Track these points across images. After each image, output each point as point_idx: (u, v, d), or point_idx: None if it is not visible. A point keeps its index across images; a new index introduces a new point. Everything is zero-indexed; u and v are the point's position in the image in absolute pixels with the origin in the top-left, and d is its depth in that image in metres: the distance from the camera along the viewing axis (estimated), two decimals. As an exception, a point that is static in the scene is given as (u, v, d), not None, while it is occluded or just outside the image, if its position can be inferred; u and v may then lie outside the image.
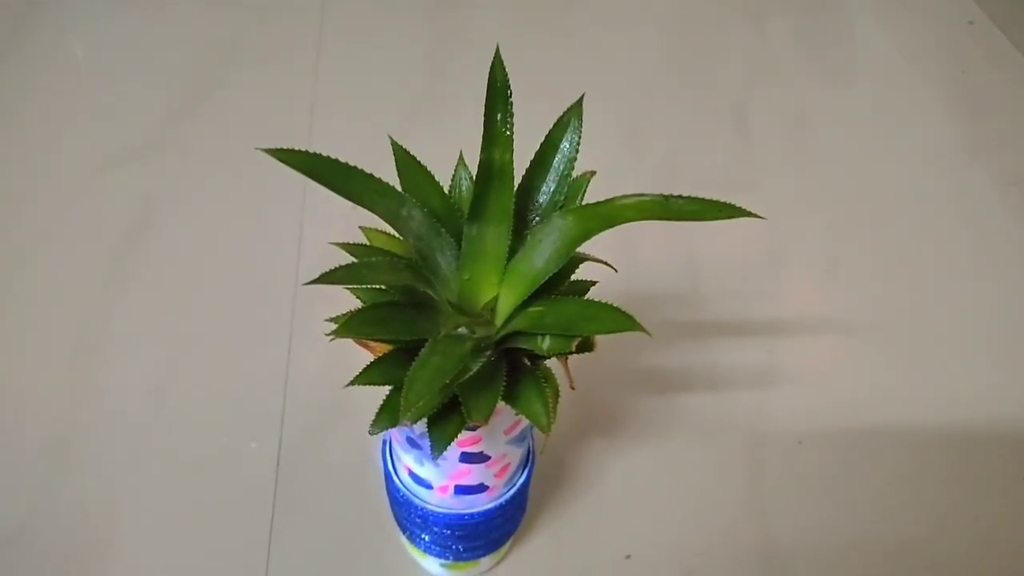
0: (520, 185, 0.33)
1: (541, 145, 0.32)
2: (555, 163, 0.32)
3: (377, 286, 0.33)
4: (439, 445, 0.31)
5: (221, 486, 0.47)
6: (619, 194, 0.29)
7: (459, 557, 0.42)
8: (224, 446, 0.49)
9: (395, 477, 0.40)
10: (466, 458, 0.36)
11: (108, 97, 0.70)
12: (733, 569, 0.46)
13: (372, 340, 0.31)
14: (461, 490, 0.38)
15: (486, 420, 0.29)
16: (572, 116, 0.32)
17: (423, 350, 0.28)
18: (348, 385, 0.32)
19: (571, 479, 0.49)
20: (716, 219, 0.28)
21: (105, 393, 0.51)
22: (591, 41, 0.78)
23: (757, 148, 0.71)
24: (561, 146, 0.32)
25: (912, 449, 0.51)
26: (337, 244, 0.31)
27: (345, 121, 0.66)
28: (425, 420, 0.32)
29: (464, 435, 0.35)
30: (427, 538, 0.41)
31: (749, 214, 0.28)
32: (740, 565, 0.46)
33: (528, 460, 0.41)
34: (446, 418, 0.32)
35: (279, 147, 0.27)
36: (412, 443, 0.37)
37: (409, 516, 0.41)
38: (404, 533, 0.43)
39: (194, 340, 0.54)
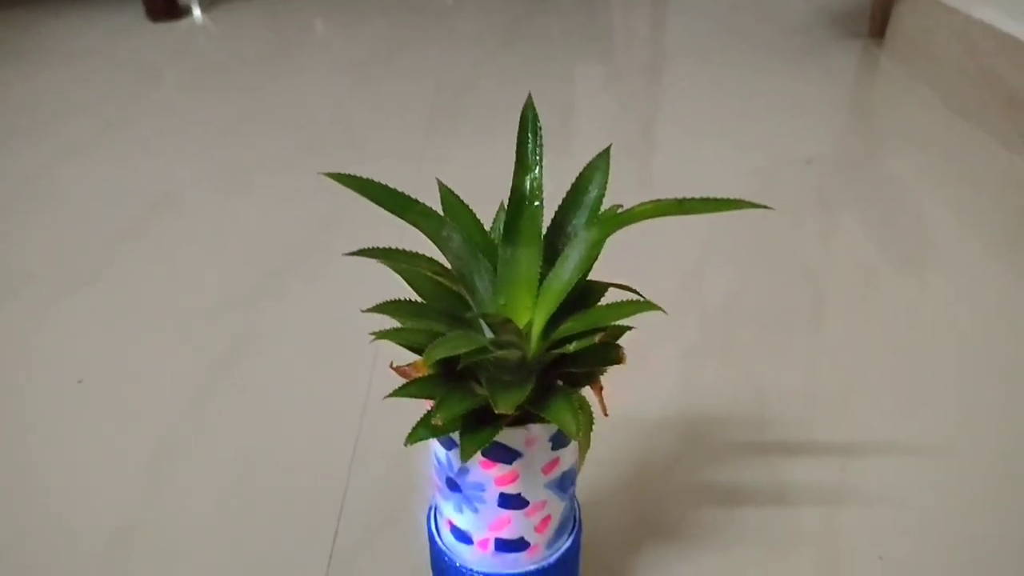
0: (553, 220, 0.36)
1: (572, 185, 0.36)
2: (585, 200, 0.36)
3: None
4: (469, 448, 0.32)
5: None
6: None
7: (502, 639, 0.40)
8: (281, 541, 0.49)
9: (438, 539, 0.40)
10: (504, 501, 0.36)
11: (220, 259, 0.79)
12: None
13: (406, 340, 0.33)
14: (501, 545, 0.38)
15: (511, 410, 0.30)
16: (601, 160, 0.36)
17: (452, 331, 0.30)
18: (388, 396, 0.33)
19: (628, 583, 0.46)
20: (726, 211, 0.30)
21: (175, 492, 0.53)
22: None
23: (822, 296, 0.72)
24: (590, 187, 0.36)
25: (1002, 569, 0.47)
26: (379, 255, 0.33)
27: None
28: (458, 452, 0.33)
29: (501, 470, 0.35)
30: (469, 611, 0.40)
31: (759, 205, 0.30)
32: (816, 677, 0.41)
33: (573, 527, 0.40)
34: (477, 427, 0.32)
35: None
36: (452, 485, 0.37)
37: (451, 585, 0.40)
38: (447, 611, 0.41)
39: (265, 452, 0.56)
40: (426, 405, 0.34)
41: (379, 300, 0.33)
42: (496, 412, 0.30)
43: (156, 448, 0.56)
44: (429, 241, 0.34)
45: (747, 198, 0.30)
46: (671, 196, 0.31)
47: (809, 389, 0.61)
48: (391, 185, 0.33)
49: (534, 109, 0.34)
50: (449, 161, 0.97)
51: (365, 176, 0.33)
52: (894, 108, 1.13)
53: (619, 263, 0.39)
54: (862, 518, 0.50)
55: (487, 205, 0.38)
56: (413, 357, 0.36)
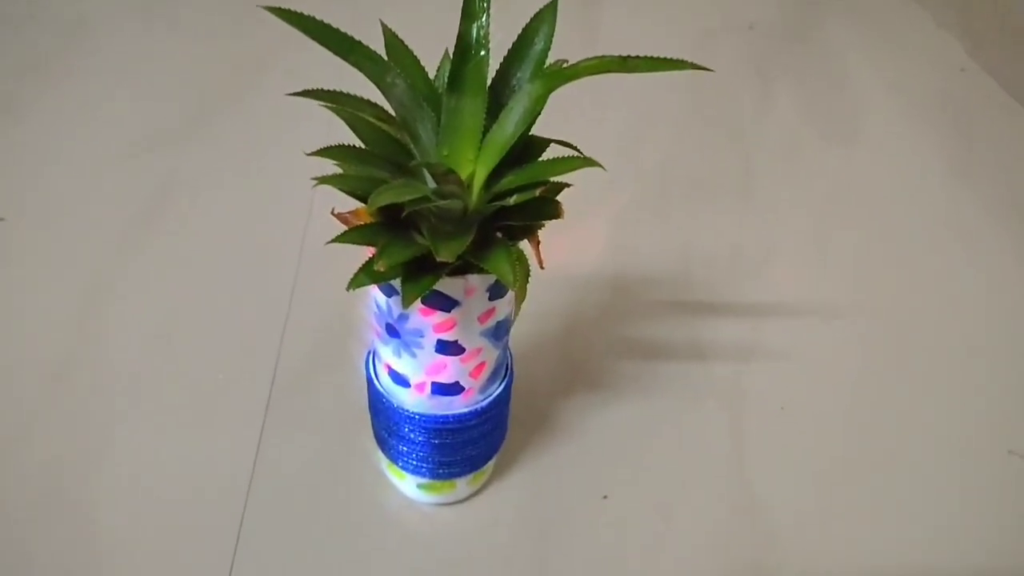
0: (497, 71, 0.35)
1: (518, 37, 0.35)
2: (530, 53, 0.35)
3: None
4: (410, 296, 0.33)
5: (213, 414, 0.49)
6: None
7: (436, 475, 0.43)
8: (219, 381, 0.50)
9: (376, 382, 0.41)
10: (441, 347, 0.38)
11: (143, 95, 0.76)
12: (709, 512, 0.46)
13: (349, 187, 0.33)
14: (437, 389, 0.39)
15: (452, 258, 0.31)
16: (547, 12, 0.35)
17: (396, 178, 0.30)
18: (330, 242, 0.34)
19: (553, 427, 0.49)
20: (669, 71, 0.30)
21: (109, 330, 0.53)
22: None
23: (753, 163, 0.74)
24: (536, 39, 0.35)
25: (893, 417, 0.52)
26: (323, 97, 0.33)
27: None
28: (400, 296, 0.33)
29: (439, 317, 0.37)
30: (405, 449, 0.42)
31: (701, 67, 0.30)
32: (716, 508, 0.46)
33: (505, 374, 0.42)
34: (418, 275, 0.33)
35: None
36: (391, 331, 0.38)
37: (388, 425, 0.42)
38: (383, 448, 0.44)
39: (202, 292, 0.57)
40: (366, 252, 0.35)
41: (314, 145, 0.32)
42: (438, 260, 0.31)
43: (87, 288, 0.56)
44: (366, 88, 0.34)
45: (689, 59, 0.30)
46: (614, 54, 0.31)
47: (731, 252, 0.64)
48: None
49: (483, -48, 0.33)
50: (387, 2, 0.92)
51: (298, 10, 0.32)
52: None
53: (560, 121, 0.39)
54: (767, 372, 0.54)
55: (426, 50, 0.37)
56: (352, 204, 0.36)
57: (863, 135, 0.79)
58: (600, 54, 0.31)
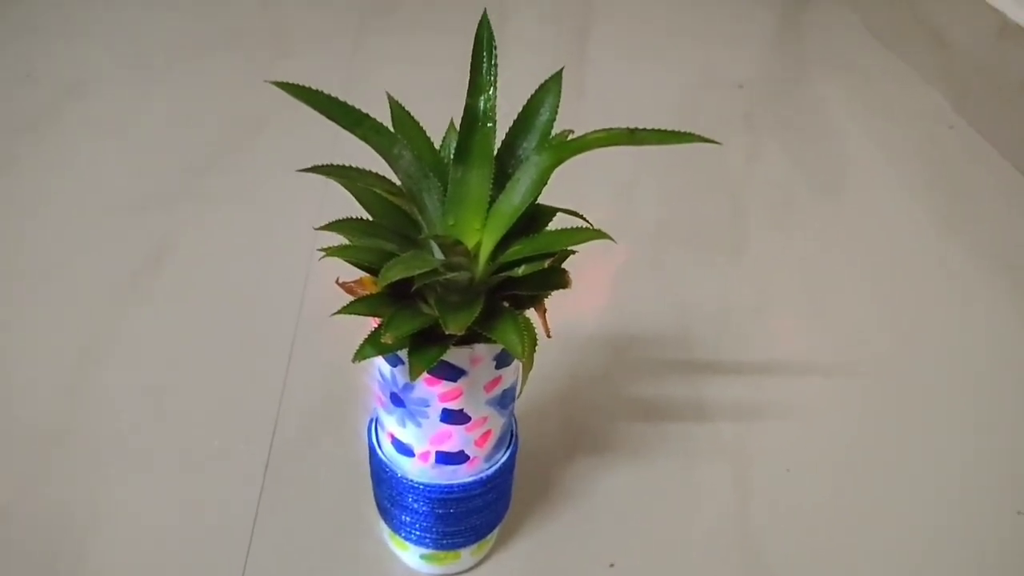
0: (503, 142, 0.36)
1: (524, 107, 0.36)
2: (536, 123, 0.36)
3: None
4: (417, 368, 0.32)
5: (208, 483, 0.48)
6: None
7: (440, 545, 0.42)
8: (215, 447, 0.50)
9: (379, 451, 0.41)
10: (447, 417, 0.37)
11: (139, 154, 0.76)
12: (720, 580, 0.45)
13: (356, 258, 0.33)
14: (442, 458, 0.39)
15: (462, 331, 0.31)
16: (553, 83, 0.36)
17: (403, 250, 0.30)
18: (335, 314, 0.33)
19: (557, 492, 0.49)
20: (677, 143, 0.30)
21: (105, 393, 0.52)
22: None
23: (744, 219, 0.74)
24: (541, 109, 0.36)
25: (902, 478, 0.51)
26: (333, 173, 0.33)
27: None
28: (407, 369, 0.33)
29: (445, 387, 0.36)
30: (408, 519, 0.41)
31: (709, 140, 0.30)
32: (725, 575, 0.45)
33: (510, 441, 0.42)
34: (425, 346, 0.33)
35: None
36: (396, 400, 0.38)
37: (391, 495, 0.41)
38: (385, 519, 0.43)
39: (198, 354, 0.56)
40: (371, 322, 0.34)
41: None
42: (447, 333, 0.31)
43: (81, 351, 0.55)
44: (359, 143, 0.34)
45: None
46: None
47: (729, 309, 0.64)
48: (319, 86, 0.32)
49: (489, 28, 0.34)
50: (381, 61, 0.93)
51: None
52: (823, 34, 1.15)
53: (553, 179, 0.39)
54: (772, 432, 0.54)
55: (422, 109, 0.37)
56: (355, 272, 0.36)
57: (853, 191, 0.80)
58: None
